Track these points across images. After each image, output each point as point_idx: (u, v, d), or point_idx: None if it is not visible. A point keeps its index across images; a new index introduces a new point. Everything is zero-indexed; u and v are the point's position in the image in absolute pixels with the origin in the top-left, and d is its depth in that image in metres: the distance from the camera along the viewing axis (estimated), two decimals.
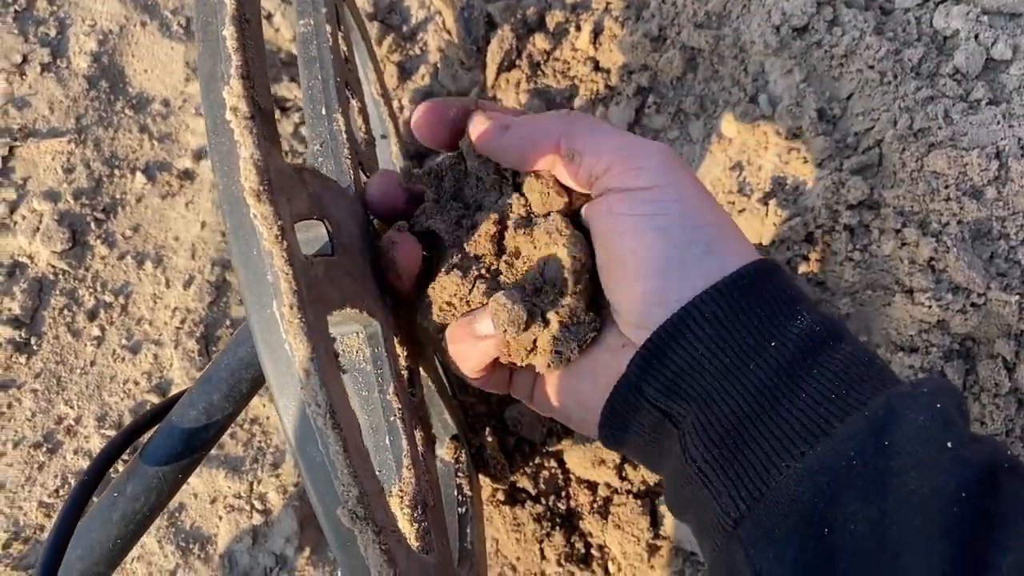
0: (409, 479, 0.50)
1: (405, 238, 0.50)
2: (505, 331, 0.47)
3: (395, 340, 0.54)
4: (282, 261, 0.37)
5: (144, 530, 0.54)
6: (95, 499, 0.53)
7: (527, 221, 0.50)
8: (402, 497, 0.49)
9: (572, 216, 0.51)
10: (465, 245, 0.51)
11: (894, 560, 0.35)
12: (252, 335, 0.37)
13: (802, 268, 0.76)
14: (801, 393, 0.40)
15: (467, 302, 0.50)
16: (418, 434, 0.54)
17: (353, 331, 0.53)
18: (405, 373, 0.55)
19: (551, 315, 0.48)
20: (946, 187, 0.71)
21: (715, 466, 0.41)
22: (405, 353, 0.55)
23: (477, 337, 0.48)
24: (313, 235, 0.48)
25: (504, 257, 0.51)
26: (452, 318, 0.51)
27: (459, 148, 0.53)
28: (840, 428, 0.38)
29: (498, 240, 0.51)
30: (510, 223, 0.50)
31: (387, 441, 0.52)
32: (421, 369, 0.59)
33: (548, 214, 0.50)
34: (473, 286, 0.50)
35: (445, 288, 0.50)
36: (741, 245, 0.45)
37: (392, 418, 0.52)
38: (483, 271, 0.50)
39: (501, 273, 0.50)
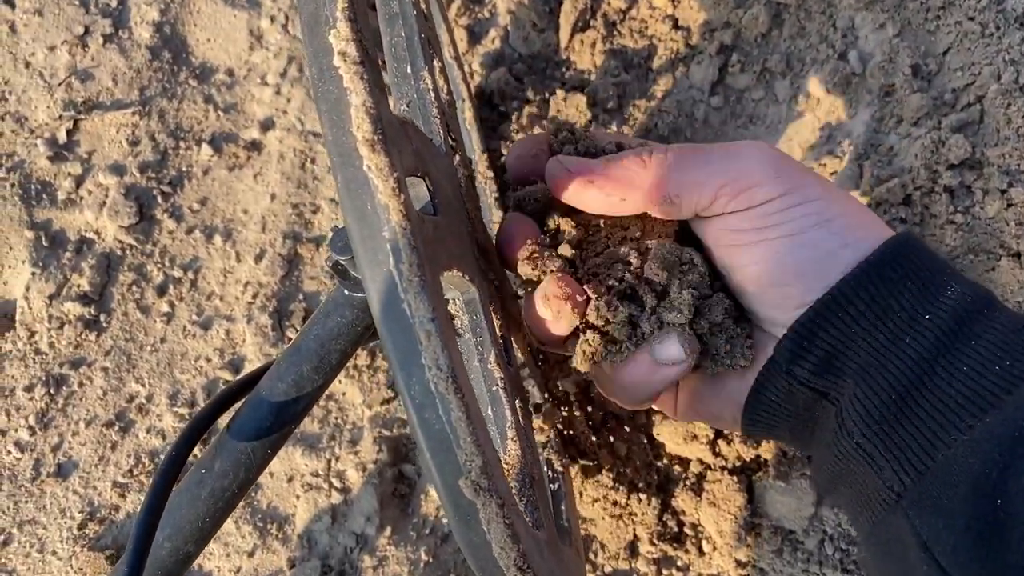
0: (515, 451, 0.48)
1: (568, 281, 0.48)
2: (694, 355, 0.46)
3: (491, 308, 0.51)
4: (399, 216, 0.34)
5: (232, 507, 0.52)
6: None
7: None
8: (509, 470, 0.47)
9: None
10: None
11: None
12: (367, 295, 0.35)
13: (899, 230, 0.72)
14: (962, 365, 0.39)
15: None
16: (518, 405, 0.51)
17: (451, 298, 0.50)
18: (501, 343, 0.52)
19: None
20: None
21: (875, 440, 0.40)
22: (499, 322, 0.53)
23: (661, 363, 0.46)
24: (413, 194, 0.45)
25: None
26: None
27: None
28: (1009, 399, 0.37)
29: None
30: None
31: (489, 412, 0.49)
32: (513, 341, 0.56)
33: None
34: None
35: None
36: (872, 224, 0.44)
37: (494, 388, 0.50)
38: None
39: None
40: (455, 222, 0.46)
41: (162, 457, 0.68)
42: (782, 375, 0.44)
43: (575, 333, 0.48)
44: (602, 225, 0.51)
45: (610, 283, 0.48)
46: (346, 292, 0.51)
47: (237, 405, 0.53)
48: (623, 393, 0.49)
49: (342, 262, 0.49)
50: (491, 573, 0.36)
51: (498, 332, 0.52)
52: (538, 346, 0.53)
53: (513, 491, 0.45)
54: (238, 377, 0.72)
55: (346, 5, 0.37)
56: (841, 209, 0.44)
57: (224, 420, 0.52)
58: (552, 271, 0.47)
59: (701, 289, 0.47)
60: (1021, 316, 0.41)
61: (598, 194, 0.46)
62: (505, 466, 0.46)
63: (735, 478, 0.65)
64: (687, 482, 0.66)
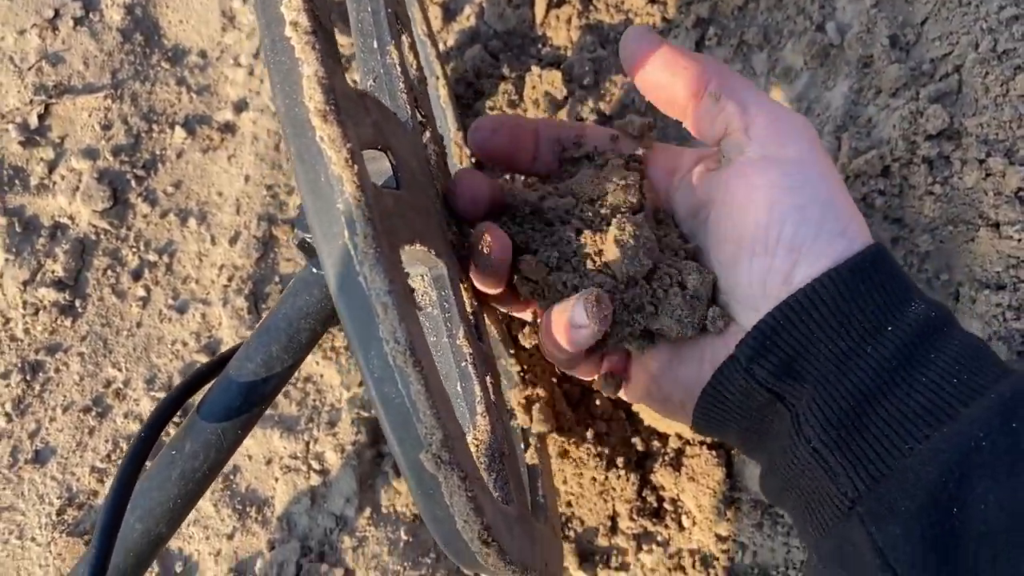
0: (484, 427, 0.48)
1: (496, 232, 0.48)
2: (598, 322, 0.45)
3: (461, 284, 0.51)
4: (353, 187, 0.34)
5: (204, 489, 0.51)
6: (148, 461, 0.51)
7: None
8: (478, 446, 0.46)
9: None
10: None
11: None
12: (322, 268, 0.34)
13: (879, 204, 0.72)
14: (921, 377, 0.40)
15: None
16: (489, 381, 0.51)
17: (418, 273, 0.50)
18: (472, 319, 0.52)
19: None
20: None
21: (832, 447, 0.41)
22: (469, 298, 0.52)
23: (574, 326, 0.46)
24: (375, 168, 0.45)
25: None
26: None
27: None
28: (965, 412, 0.38)
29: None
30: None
31: (459, 388, 0.49)
32: (486, 316, 0.56)
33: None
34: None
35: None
36: (862, 226, 0.45)
37: (463, 363, 0.49)
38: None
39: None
40: (421, 197, 0.46)
41: (125, 446, 0.68)
42: (741, 373, 0.44)
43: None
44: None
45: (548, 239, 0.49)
46: (314, 271, 0.51)
47: (207, 387, 0.53)
48: (546, 350, 0.50)
49: (308, 240, 0.49)
50: (456, 547, 0.36)
51: (468, 308, 0.51)
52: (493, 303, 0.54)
53: (481, 466, 0.45)
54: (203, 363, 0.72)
55: None
56: (846, 200, 0.45)
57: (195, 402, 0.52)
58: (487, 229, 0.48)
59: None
60: (975, 336, 0.42)
61: (660, 61, 0.46)
62: (474, 442, 0.46)
63: (714, 452, 0.65)
64: (666, 457, 0.66)
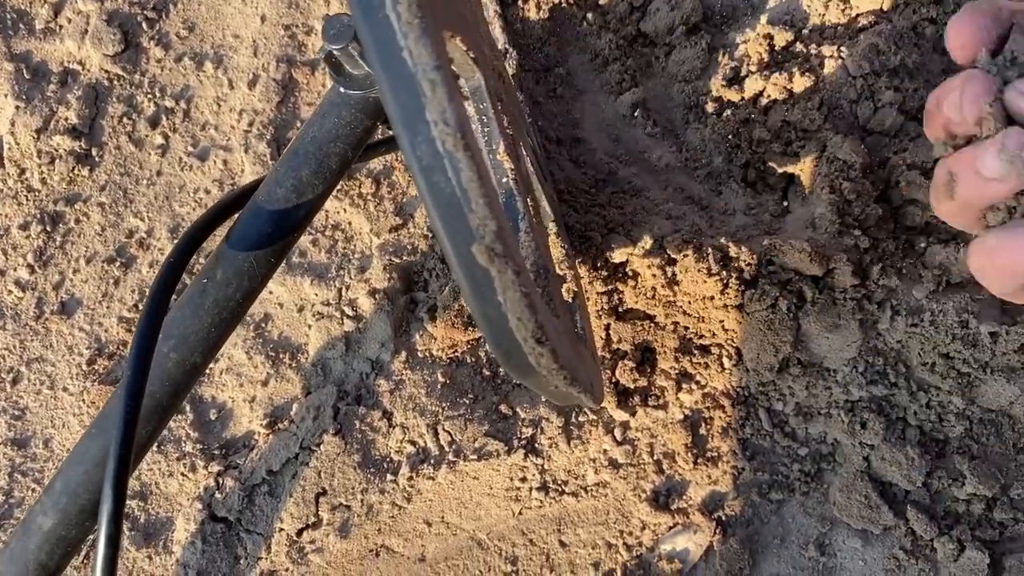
0: (528, 243, 0.46)
1: None
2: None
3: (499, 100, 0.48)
4: None
5: (238, 318, 0.50)
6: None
7: None
8: (524, 258, 0.44)
9: None
10: None
11: None
12: (363, 46, 0.31)
13: (929, 33, 0.68)
14: None
15: None
16: (528, 200, 0.49)
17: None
18: (510, 138, 0.49)
19: None
20: None
21: None
22: (506, 120, 0.50)
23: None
24: None
25: None
26: None
27: None
28: None
29: None
30: None
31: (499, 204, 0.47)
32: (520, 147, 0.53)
33: None
34: None
35: None
36: None
37: (504, 179, 0.47)
38: None
39: None
40: None
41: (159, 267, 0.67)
42: None
43: None
44: None
45: None
46: (342, 90, 0.48)
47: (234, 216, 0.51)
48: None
49: (336, 53, 0.46)
50: (507, 348, 0.34)
51: (505, 126, 0.49)
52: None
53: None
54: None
55: None
56: None
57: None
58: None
59: None
60: None
61: None
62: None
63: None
64: None
